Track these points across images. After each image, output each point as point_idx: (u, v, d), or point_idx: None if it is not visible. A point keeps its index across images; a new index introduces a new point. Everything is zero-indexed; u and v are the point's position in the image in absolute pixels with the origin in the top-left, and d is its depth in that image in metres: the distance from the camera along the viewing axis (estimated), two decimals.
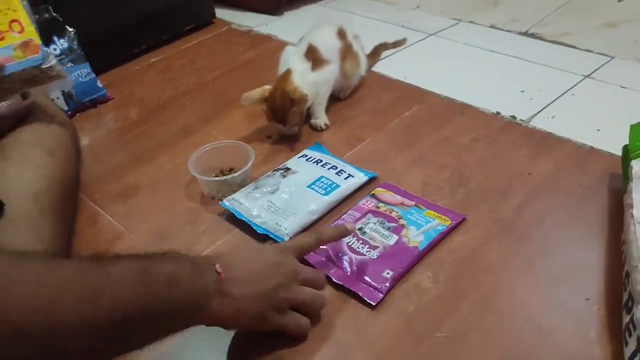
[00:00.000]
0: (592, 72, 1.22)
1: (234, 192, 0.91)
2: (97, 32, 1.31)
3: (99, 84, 1.25)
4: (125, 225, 0.91)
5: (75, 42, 1.22)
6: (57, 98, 1.17)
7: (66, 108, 1.18)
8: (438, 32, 1.46)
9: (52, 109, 0.93)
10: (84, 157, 0.96)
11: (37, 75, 0.80)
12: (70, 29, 1.22)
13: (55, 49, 1.19)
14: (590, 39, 1.35)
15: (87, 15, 1.28)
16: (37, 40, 0.79)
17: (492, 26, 1.47)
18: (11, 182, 0.76)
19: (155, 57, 1.44)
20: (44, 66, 0.79)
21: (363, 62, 1.17)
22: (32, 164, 0.80)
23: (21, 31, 0.78)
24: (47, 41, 1.18)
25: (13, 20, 0.78)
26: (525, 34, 1.42)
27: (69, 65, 1.20)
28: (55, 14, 1.20)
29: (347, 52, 1.12)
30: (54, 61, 0.82)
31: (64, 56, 1.20)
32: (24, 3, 0.80)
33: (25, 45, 0.78)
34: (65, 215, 0.82)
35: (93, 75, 1.23)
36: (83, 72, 1.21)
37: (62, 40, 1.20)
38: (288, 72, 1.04)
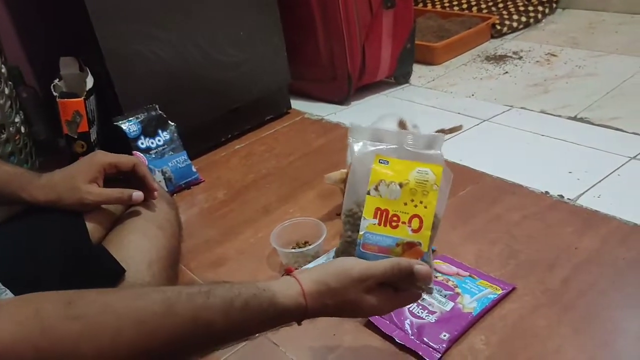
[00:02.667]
0: (638, 154, 1.31)
1: (309, 262, 1.06)
2: (192, 125, 1.54)
3: (193, 169, 1.46)
4: None
5: (176, 134, 1.45)
6: (160, 181, 1.38)
7: (166, 189, 1.38)
8: (491, 118, 1.60)
9: (160, 191, 1.12)
10: None
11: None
12: (172, 123, 1.45)
13: (160, 140, 1.42)
14: (638, 123, 1.44)
15: (185, 111, 1.51)
16: (425, 247, 0.68)
17: (542, 111, 1.59)
18: (130, 252, 0.91)
19: (239, 144, 1.65)
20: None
21: None
22: (146, 236, 0.96)
23: (416, 231, 0.68)
24: (153, 134, 1.42)
25: (416, 215, 0.68)
26: (575, 118, 1.53)
27: (170, 153, 1.42)
28: (160, 112, 1.43)
29: None
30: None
31: (166, 146, 1.42)
32: (438, 206, 0.69)
33: (409, 246, 0.68)
34: (171, 281, 0.97)
35: (189, 161, 1.45)
36: (181, 159, 1.43)
37: (165, 133, 1.44)
38: None
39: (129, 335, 0.54)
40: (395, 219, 0.69)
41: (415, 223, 0.68)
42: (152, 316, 0.56)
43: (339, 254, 0.72)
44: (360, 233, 0.70)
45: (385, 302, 0.66)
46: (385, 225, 0.69)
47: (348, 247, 0.71)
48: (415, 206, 0.69)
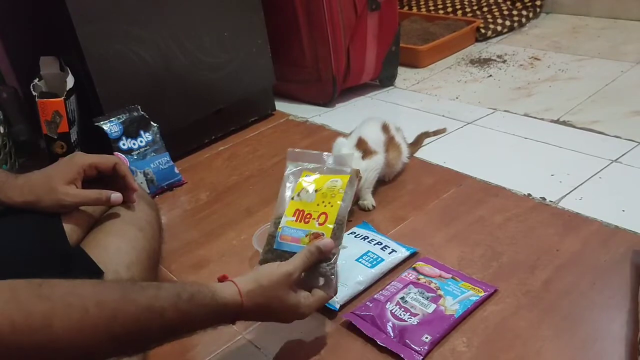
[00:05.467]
0: (620, 157, 1.32)
1: None
2: (175, 126, 1.52)
3: (176, 170, 1.44)
4: None
5: (158, 135, 1.43)
6: (141, 183, 1.36)
7: (148, 191, 1.36)
8: (475, 121, 1.60)
9: (141, 192, 1.11)
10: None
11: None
12: (154, 124, 1.44)
13: (142, 141, 1.40)
14: (619, 126, 1.45)
15: (168, 112, 1.50)
16: (327, 237, 0.82)
17: (525, 114, 1.60)
18: (108, 254, 0.90)
19: (223, 145, 1.64)
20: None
21: (405, 151, 1.31)
22: (126, 238, 0.94)
23: (321, 224, 0.83)
24: (135, 135, 1.40)
25: (323, 213, 0.84)
26: (557, 121, 1.54)
27: (152, 154, 1.40)
28: (142, 112, 1.42)
29: (390, 144, 1.27)
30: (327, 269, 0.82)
31: (148, 147, 1.41)
32: (342, 204, 0.84)
33: (315, 236, 0.82)
34: None
35: (171, 163, 1.43)
36: (163, 161, 1.41)
37: (147, 134, 1.42)
38: None
39: (94, 315, 0.58)
40: (308, 216, 0.85)
41: (322, 218, 0.84)
42: (111, 300, 0.61)
43: (265, 246, 0.86)
44: (280, 226, 0.86)
45: (304, 300, 0.78)
46: (300, 221, 0.85)
47: (270, 240, 0.86)
48: (325, 206, 0.85)
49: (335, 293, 0.84)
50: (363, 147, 1.22)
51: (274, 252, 0.84)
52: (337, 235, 0.83)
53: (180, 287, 0.68)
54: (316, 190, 0.86)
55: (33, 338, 0.55)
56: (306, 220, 0.84)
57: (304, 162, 0.91)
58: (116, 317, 0.60)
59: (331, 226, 0.83)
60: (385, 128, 1.28)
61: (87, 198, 0.88)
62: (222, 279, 0.75)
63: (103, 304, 0.59)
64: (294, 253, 0.80)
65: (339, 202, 0.85)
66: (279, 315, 0.79)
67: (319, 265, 0.81)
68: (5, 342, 0.53)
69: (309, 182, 0.88)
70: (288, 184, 0.90)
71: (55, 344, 0.56)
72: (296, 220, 0.85)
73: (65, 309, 0.57)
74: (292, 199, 0.88)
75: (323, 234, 0.83)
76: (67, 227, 0.88)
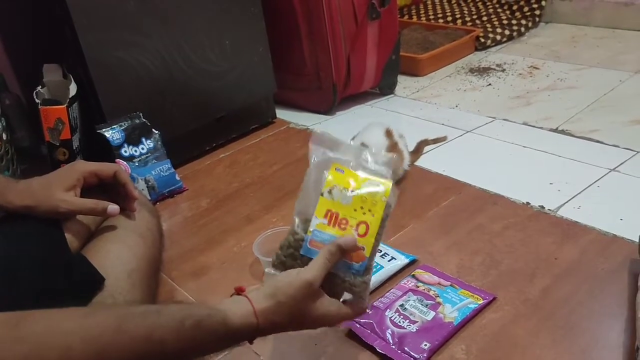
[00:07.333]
0: (618, 166, 1.33)
1: None
2: (177, 133, 1.53)
3: (177, 177, 1.45)
4: (198, 299, 1.06)
5: (159, 142, 1.44)
6: (142, 190, 1.37)
7: (149, 198, 1.37)
8: (475, 129, 1.61)
9: (142, 199, 1.11)
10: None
11: (344, 283, 0.72)
12: (156, 132, 1.45)
13: (143, 148, 1.41)
14: (618, 135, 1.46)
15: (169, 119, 1.51)
16: (367, 252, 0.71)
17: (524, 123, 1.61)
18: (109, 260, 0.90)
19: (224, 153, 1.65)
20: (356, 278, 0.71)
21: (406, 158, 1.32)
22: (126, 245, 0.94)
23: (362, 235, 0.71)
24: (136, 142, 1.41)
25: (363, 222, 0.72)
26: (556, 130, 1.55)
27: (153, 161, 1.41)
28: (144, 120, 1.43)
29: (393, 149, 1.28)
30: (358, 280, 0.72)
31: (150, 154, 1.42)
32: (384, 216, 0.72)
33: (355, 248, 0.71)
34: (151, 290, 0.95)
35: (173, 170, 1.44)
36: (164, 168, 1.42)
37: (148, 141, 1.43)
38: None
39: (79, 353, 0.53)
40: (344, 221, 0.72)
41: (362, 229, 0.71)
42: (103, 333, 0.55)
43: (285, 249, 0.74)
44: (310, 230, 0.72)
45: (331, 310, 0.69)
46: (333, 226, 0.72)
47: (295, 244, 0.73)
48: (364, 213, 0.72)
49: (365, 311, 0.75)
50: None
51: (301, 259, 0.72)
52: (374, 251, 0.73)
53: (186, 311, 0.62)
54: (353, 192, 0.72)
55: None
56: (341, 226, 0.72)
57: (334, 151, 0.76)
58: (106, 353, 0.55)
59: (373, 240, 0.71)
60: (388, 133, 1.29)
61: (83, 207, 0.88)
62: (238, 291, 0.68)
63: (90, 340, 0.54)
64: None
65: (381, 212, 0.72)
66: (302, 326, 0.70)
67: (346, 281, 0.71)
68: None
69: (343, 179, 0.74)
70: (314, 175, 0.75)
71: None
72: (328, 224, 0.72)
73: (43, 351, 0.52)
74: (322, 194, 0.73)
75: (363, 248, 0.71)
76: (66, 236, 0.89)
